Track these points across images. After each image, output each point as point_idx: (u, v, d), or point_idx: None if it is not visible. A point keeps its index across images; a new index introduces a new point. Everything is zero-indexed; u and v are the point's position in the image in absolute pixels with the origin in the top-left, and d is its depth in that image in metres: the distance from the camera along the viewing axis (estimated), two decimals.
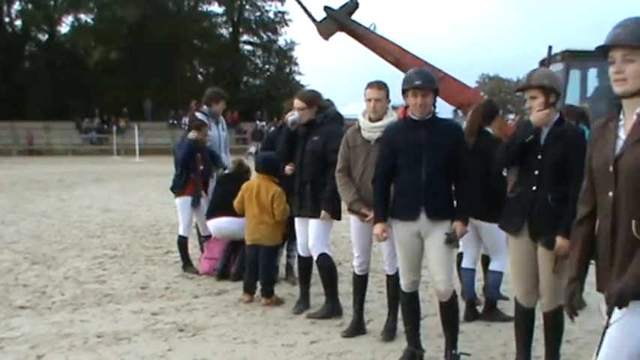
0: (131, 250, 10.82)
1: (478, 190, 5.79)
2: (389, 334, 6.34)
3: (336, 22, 15.28)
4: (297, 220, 7.19)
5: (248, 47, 65.16)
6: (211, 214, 8.72)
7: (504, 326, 6.55)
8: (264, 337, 6.36)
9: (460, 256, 7.12)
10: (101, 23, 55.04)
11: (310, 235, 6.94)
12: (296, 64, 64.16)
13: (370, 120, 6.17)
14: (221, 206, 8.45)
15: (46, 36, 58.23)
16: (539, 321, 5.28)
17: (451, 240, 5.32)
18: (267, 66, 65.69)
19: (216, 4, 62.78)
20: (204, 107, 9.39)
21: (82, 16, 58.05)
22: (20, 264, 9.57)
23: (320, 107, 7.16)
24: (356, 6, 15.46)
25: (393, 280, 6.37)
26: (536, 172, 5.01)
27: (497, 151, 5.37)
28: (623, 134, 3.24)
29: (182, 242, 9.10)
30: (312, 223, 6.89)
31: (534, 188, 5.01)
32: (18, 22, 57.40)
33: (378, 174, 5.67)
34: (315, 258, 7.01)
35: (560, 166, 4.94)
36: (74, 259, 9.95)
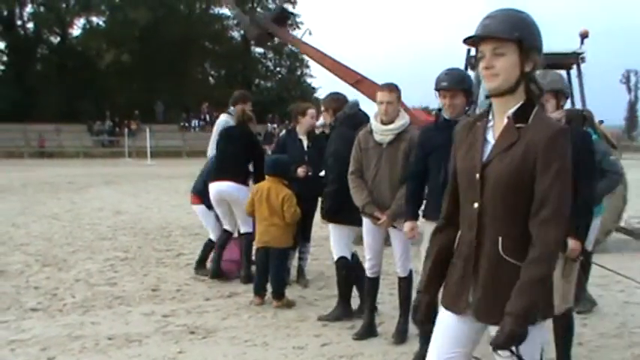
0: (142, 252, 10.82)
1: None
2: (400, 336, 6.32)
3: (260, 28, 15.87)
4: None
5: (259, 50, 65.25)
6: (215, 176, 8.53)
7: None
8: (275, 340, 6.36)
9: None
10: (113, 26, 55.27)
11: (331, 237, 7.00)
12: (307, 66, 64.22)
13: (382, 123, 6.17)
14: (225, 169, 8.41)
15: (58, 38, 58.43)
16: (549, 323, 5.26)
17: None
18: (278, 68, 65.85)
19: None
20: (232, 108, 9.38)
21: (94, 19, 58.35)
22: (31, 266, 9.59)
23: (334, 110, 7.21)
24: (284, 13, 16.12)
25: (404, 283, 6.37)
26: None
27: None
28: (492, 138, 2.97)
29: (209, 245, 9.04)
30: (331, 225, 6.93)
31: None
32: (30, 25, 57.66)
33: (409, 174, 5.69)
34: (335, 259, 7.01)
35: (572, 167, 4.92)
36: (85, 262, 9.96)
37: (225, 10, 62.97)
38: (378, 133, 6.17)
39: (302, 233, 8.17)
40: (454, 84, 5.34)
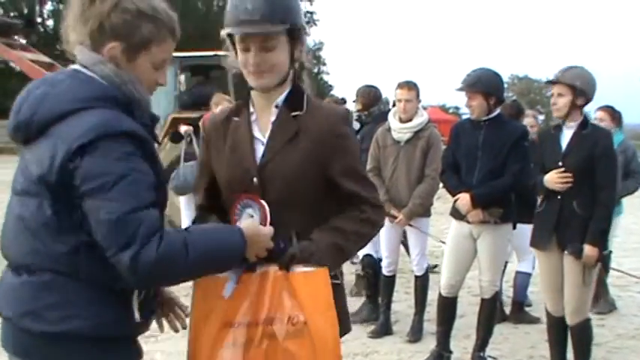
0: None
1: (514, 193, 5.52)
2: (415, 334, 6.31)
3: None
4: None
5: None
6: None
7: (532, 328, 6.51)
8: None
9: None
10: None
11: None
12: (324, 64, 64.28)
13: (400, 120, 6.16)
14: None
15: None
16: None
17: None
18: None
19: None
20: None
21: None
22: None
23: (362, 104, 7.20)
24: (9, 26, 16.80)
25: (421, 281, 6.37)
26: None
27: (528, 174, 5.14)
28: (260, 134, 2.54)
29: None
30: None
31: (559, 197, 4.88)
32: (50, 22, 58.06)
33: (444, 166, 5.68)
34: (359, 257, 6.98)
35: (586, 171, 4.78)
36: None
37: None
38: (396, 131, 6.16)
39: None
40: (467, 86, 5.32)
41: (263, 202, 2.38)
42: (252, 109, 2.57)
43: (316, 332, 2.28)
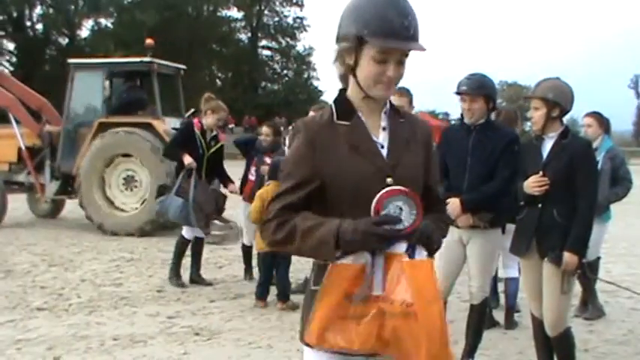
0: (148, 253, 10.84)
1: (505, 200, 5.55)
2: None
3: None
4: None
5: (266, 52, 65.47)
6: None
7: (520, 334, 6.51)
8: (280, 342, 6.34)
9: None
10: (121, 27, 55.40)
11: None
12: (314, 69, 64.35)
13: None
14: None
15: (67, 40, 58.60)
16: None
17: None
18: (285, 71, 65.90)
19: (235, 9, 63.05)
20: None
21: (102, 21, 58.48)
22: (38, 266, 9.60)
23: None
24: None
25: None
26: None
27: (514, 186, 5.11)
28: (374, 136, 2.62)
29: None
30: None
31: (540, 205, 4.89)
32: (39, 26, 57.88)
33: None
34: None
35: (565, 180, 4.79)
36: (91, 262, 9.98)
37: (232, 13, 63.22)
38: None
39: None
40: (472, 89, 5.31)
41: (414, 193, 2.50)
42: (359, 114, 2.64)
43: (424, 320, 2.39)
